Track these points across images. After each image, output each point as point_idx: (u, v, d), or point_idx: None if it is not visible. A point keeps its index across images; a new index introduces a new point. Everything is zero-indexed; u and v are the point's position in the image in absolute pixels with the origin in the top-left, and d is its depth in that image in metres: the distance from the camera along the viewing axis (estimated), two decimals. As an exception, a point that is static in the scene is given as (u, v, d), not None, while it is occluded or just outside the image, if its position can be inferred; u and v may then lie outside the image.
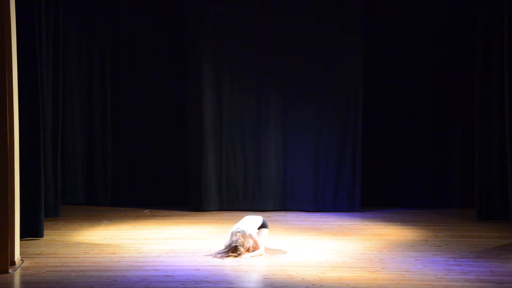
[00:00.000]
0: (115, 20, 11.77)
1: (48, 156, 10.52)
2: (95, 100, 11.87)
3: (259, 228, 8.57)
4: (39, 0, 9.62)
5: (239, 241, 8.27)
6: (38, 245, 8.93)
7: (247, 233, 8.33)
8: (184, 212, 11.24)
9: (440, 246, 8.99)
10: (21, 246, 8.34)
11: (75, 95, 11.80)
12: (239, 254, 8.22)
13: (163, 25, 11.75)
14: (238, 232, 8.32)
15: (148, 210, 11.35)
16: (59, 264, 8.05)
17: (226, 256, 8.22)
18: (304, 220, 10.70)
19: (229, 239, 8.39)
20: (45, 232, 9.38)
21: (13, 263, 7.87)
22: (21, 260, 8.13)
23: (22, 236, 8.61)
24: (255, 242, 8.37)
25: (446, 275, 7.68)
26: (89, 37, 11.79)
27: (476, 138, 10.68)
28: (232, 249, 8.25)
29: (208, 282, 7.38)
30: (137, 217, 10.83)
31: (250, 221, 8.57)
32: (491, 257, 8.43)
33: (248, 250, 8.37)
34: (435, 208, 11.50)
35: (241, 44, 11.34)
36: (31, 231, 9.15)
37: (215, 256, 8.30)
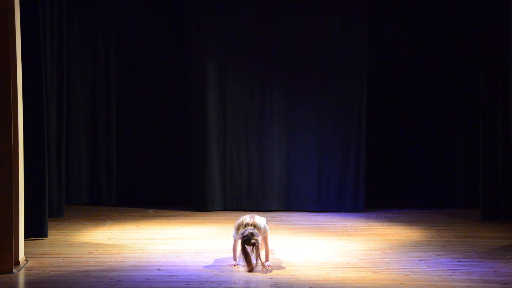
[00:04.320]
0: (118, 19, 11.78)
1: (52, 156, 10.53)
2: (99, 100, 11.88)
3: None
4: None
5: (252, 231, 7.67)
6: (42, 245, 8.94)
7: (261, 228, 7.81)
8: (188, 212, 11.24)
9: (444, 247, 8.98)
10: (25, 246, 8.36)
11: (79, 95, 11.81)
12: (255, 244, 7.61)
13: (166, 24, 11.76)
14: (250, 224, 7.73)
15: (152, 210, 11.35)
16: (63, 264, 8.06)
17: (246, 258, 7.66)
18: (308, 220, 10.69)
19: (238, 230, 7.78)
20: (49, 232, 9.39)
21: (17, 263, 7.88)
22: (25, 260, 8.14)
23: (26, 236, 8.61)
24: (265, 239, 7.97)
25: (451, 275, 7.67)
26: (93, 37, 11.79)
27: (481, 137, 10.66)
28: (248, 242, 7.60)
29: (212, 282, 7.38)
30: (141, 217, 10.84)
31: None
32: (495, 258, 8.41)
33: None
34: (439, 209, 11.49)
35: (245, 42, 11.32)
36: (36, 231, 9.17)
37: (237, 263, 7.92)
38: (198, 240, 9.34)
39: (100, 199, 11.87)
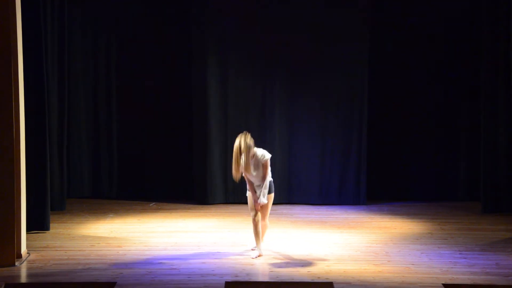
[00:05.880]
0: (119, 17, 11.75)
1: (54, 150, 10.53)
2: (101, 94, 11.87)
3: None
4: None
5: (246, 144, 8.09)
6: (44, 238, 8.95)
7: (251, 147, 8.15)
8: (189, 205, 11.24)
9: (446, 239, 8.99)
10: (27, 239, 8.37)
11: (80, 89, 11.80)
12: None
13: (167, 20, 11.73)
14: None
15: (153, 203, 11.36)
16: (65, 257, 8.08)
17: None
18: (309, 213, 10.70)
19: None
20: (51, 225, 9.41)
21: (19, 256, 7.90)
22: (27, 253, 8.16)
23: (28, 229, 8.64)
24: (265, 165, 8.29)
25: (452, 268, 7.68)
26: (94, 31, 11.78)
27: (482, 131, 10.66)
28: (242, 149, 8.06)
29: (213, 275, 7.39)
30: (143, 211, 10.85)
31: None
32: (496, 250, 8.42)
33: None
34: (440, 201, 11.49)
35: (246, 35, 11.30)
36: (38, 224, 9.18)
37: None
38: (199, 233, 9.35)
39: (101, 193, 11.88)
